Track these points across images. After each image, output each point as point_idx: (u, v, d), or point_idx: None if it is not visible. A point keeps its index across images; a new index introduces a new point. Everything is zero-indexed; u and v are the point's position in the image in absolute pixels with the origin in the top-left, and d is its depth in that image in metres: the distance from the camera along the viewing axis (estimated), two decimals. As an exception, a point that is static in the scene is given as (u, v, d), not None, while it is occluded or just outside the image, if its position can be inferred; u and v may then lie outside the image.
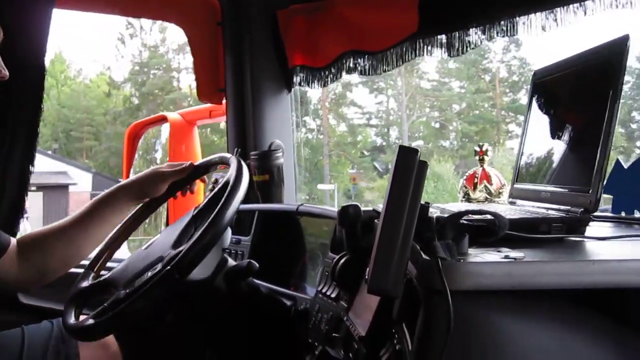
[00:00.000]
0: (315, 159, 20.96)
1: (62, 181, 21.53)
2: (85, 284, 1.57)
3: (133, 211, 1.67)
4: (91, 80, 28.76)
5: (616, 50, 1.10)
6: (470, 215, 0.91)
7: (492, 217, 0.87)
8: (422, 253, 0.84)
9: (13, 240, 1.52)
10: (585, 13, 1.70)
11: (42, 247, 1.52)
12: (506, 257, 0.84)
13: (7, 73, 1.44)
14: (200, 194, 2.58)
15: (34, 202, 21.14)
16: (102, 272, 1.62)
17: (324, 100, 21.96)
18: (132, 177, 1.64)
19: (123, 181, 1.63)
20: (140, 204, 1.67)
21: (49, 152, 23.52)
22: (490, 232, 0.86)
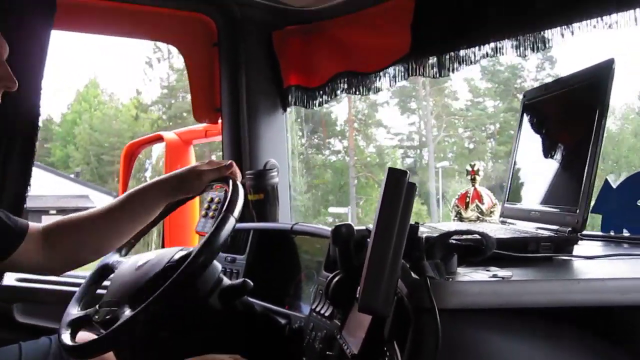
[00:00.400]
0: (340, 181, 20.55)
1: (82, 205, 21.43)
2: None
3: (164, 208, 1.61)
4: (122, 104, 28.89)
5: (602, 73, 1.13)
6: (458, 235, 0.93)
7: (480, 237, 0.89)
8: (411, 272, 0.86)
9: (36, 226, 1.50)
10: (572, 34, 1.73)
11: (70, 235, 1.50)
12: (494, 276, 0.86)
13: (17, 84, 1.44)
14: (196, 212, 2.60)
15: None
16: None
17: (350, 121, 21.56)
18: (170, 173, 1.58)
19: (160, 177, 1.59)
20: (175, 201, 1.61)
21: (71, 175, 23.47)
22: (478, 252, 0.88)
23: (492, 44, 1.88)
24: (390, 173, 0.80)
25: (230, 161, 1.57)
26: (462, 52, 1.98)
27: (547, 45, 1.82)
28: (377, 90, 2.29)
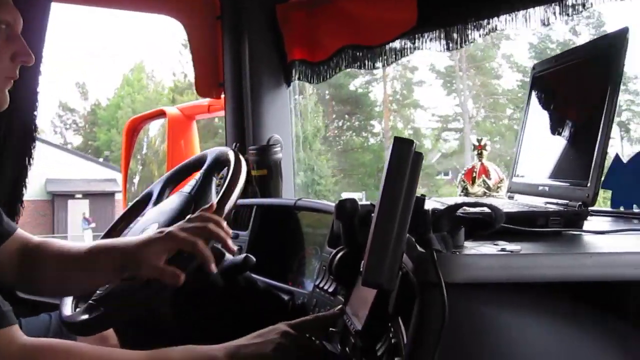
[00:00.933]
0: (379, 164, 19.73)
1: (109, 189, 21.41)
2: None
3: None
4: (164, 86, 28.77)
5: (615, 43, 1.10)
6: (466, 207, 0.91)
7: (489, 210, 0.86)
8: (417, 246, 0.83)
9: (23, 235, 1.42)
10: (584, 6, 1.69)
11: (40, 259, 1.40)
12: (502, 249, 0.83)
13: (33, 58, 1.34)
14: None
15: (78, 209, 21.16)
16: None
17: (386, 102, 20.94)
18: (124, 240, 1.37)
19: (118, 241, 1.40)
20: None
21: (100, 159, 23.41)
22: (487, 225, 0.86)
23: (502, 16, 1.84)
24: (396, 142, 0.77)
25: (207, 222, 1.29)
26: (470, 25, 1.94)
27: (557, 18, 1.78)
28: (383, 64, 2.26)
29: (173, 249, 1.25)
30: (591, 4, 1.69)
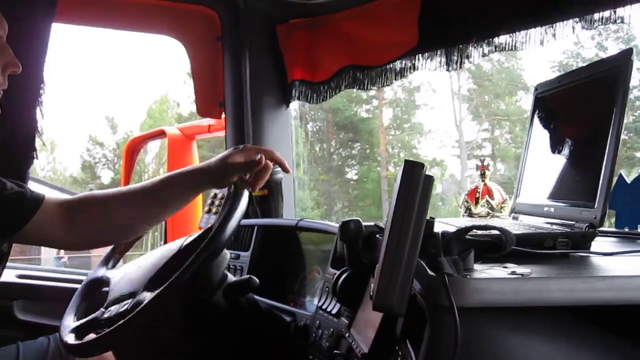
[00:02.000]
0: (376, 195, 18.78)
1: None
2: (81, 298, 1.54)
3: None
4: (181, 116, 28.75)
5: (621, 63, 1.10)
6: (475, 230, 0.90)
7: (499, 232, 0.86)
8: (427, 269, 0.83)
9: (55, 198, 1.40)
10: (583, 27, 1.70)
11: (95, 213, 1.41)
12: (513, 272, 0.82)
13: (20, 67, 1.37)
14: (199, 208, 2.57)
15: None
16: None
17: (381, 126, 20.27)
18: (212, 160, 1.44)
19: (202, 163, 1.47)
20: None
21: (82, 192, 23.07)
22: (497, 248, 0.85)
23: (502, 37, 1.85)
24: (406, 165, 0.77)
25: (265, 153, 1.44)
26: (470, 46, 1.94)
27: (556, 39, 1.79)
28: (383, 85, 2.26)
29: (252, 156, 1.41)
30: (582, 26, 1.70)
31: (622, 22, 1.58)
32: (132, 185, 1.45)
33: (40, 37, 1.94)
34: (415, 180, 0.76)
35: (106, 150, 29.61)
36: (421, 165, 0.77)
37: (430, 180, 0.77)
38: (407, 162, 0.77)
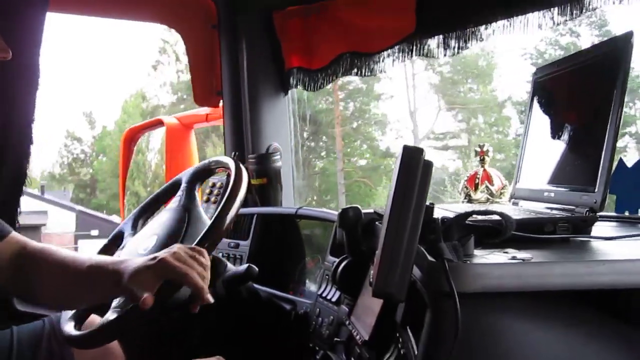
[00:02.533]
0: (331, 190, 18.40)
1: (36, 222, 20.50)
2: None
3: None
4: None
5: (621, 46, 1.09)
6: (475, 215, 0.89)
7: (499, 218, 0.85)
8: (427, 255, 0.82)
9: (20, 239, 1.35)
10: (581, 11, 1.69)
11: (41, 267, 1.33)
12: (513, 258, 0.82)
13: (10, 53, 1.35)
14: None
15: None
16: None
17: (337, 116, 19.73)
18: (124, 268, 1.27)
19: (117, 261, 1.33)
20: None
21: (35, 190, 22.59)
22: (497, 233, 0.85)
23: (500, 22, 1.84)
24: (405, 151, 0.76)
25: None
26: (468, 31, 1.93)
27: (554, 23, 1.78)
28: (381, 71, 2.25)
29: (165, 277, 1.22)
30: (586, 9, 1.69)
31: None
32: (71, 258, 1.35)
33: (35, 26, 1.92)
34: (414, 166, 0.76)
35: (85, 146, 29.48)
36: (420, 150, 0.76)
37: (429, 165, 0.76)
38: (405, 147, 0.76)
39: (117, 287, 1.24)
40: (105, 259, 1.36)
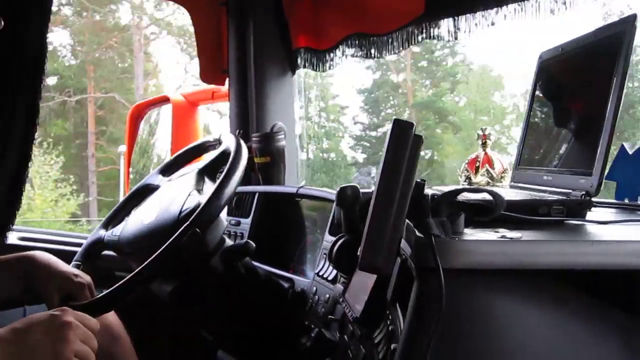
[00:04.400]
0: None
1: None
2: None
3: None
4: None
5: (623, 30, 1.07)
6: (466, 193, 0.89)
7: (489, 196, 0.85)
8: (416, 231, 0.82)
9: None
10: (594, -6, 1.67)
11: None
12: (503, 237, 0.82)
13: (2, 22, 1.35)
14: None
15: None
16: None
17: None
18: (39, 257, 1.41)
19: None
20: None
21: None
22: (487, 211, 0.84)
23: (512, 5, 1.82)
24: (395, 125, 0.76)
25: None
26: (478, 14, 1.91)
27: (567, 8, 1.76)
28: (390, 53, 2.24)
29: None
30: None
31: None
32: None
33: (41, 6, 1.91)
34: (404, 140, 0.76)
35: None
36: (410, 125, 0.76)
37: (419, 140, 0.76)
38: (396, 120, 0.76)
39: None
40: None
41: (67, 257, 1.57)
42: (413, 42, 2.15)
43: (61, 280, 1.39)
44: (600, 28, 1.17)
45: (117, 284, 1.32)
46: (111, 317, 1.57)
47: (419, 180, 0.82)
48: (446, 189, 1.26)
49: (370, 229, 0.77)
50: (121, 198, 1.86)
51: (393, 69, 16.20)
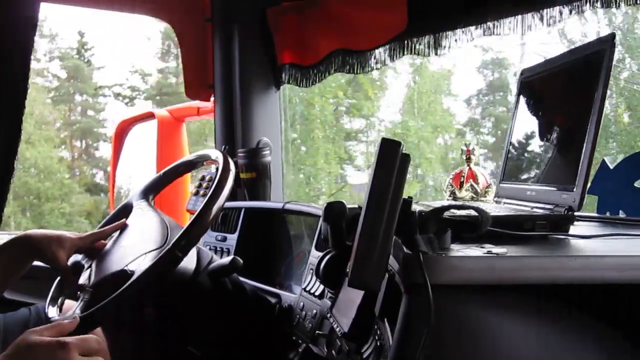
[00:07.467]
0: None
1: None
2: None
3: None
4: None
5: (602, 48, 1.10)
6: (453, 210, 0.91)
7: (475, 212, 0.86)
8: (404, 247, 0.83)
9: None
10: (570, 12, 1.70)
11: None
12: (489, 252, 0.83)
13: None
14: (187, 190, 2.58)
15: None
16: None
17: None
18: (35, 231, 1.46)
19: (23, 233, 1.46)
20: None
21: None
22: (473, 227, 0.86)
23: (491, 22, 1.85)
24: (383, 143, 0.78)
25: (95, 232, 1.52)
26: (458, 30, 1.95)
27: (544, 24, 1.80)
28: (373, 68, 2.26)
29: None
30: (583, 10, 1.71)
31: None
32: None
33: (28, 16, 1.91)
34: (392, 158, 0.77)
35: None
36: (398, 143, 0.77)
37: (407, 158, 0.78)
38: (384, 139, 0.77)
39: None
40: None
41: (51, 272, 1.56)
42: (395, 58, 2.18)
43: (65, 242, 1.45)
44: (581, 46, 1.20)
45: (104, 301, 1.31)
46: (97, 333, 1.56)
47: (406, 198, 0.83)
48: (433, 204, 1.28)
49: (359, 246, 0.78)
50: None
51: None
